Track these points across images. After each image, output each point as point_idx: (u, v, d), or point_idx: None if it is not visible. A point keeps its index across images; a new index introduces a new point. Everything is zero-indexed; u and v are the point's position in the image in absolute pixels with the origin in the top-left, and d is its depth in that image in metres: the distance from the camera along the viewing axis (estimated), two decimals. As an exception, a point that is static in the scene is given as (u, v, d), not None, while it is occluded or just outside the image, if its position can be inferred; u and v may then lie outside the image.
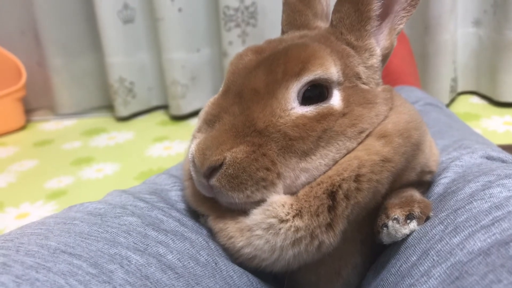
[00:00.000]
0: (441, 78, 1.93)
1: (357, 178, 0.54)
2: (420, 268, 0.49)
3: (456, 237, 0.49)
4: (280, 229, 0.54)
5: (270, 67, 0.57)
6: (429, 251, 0.50)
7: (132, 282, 0.47)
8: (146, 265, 0.50)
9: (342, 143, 0.56)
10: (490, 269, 0.41)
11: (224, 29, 1.97)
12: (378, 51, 0.63)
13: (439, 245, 0.50)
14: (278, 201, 0.55)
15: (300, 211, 0.54)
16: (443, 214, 0.55)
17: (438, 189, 0.65)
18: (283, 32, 0.72)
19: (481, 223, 0.49)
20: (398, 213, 0.56)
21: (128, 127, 2.14)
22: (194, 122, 2.11)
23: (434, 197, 0.64)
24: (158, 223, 0.60)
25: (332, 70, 0.57)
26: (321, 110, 0.56)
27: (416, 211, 0.56)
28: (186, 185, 0.66)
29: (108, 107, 2.33)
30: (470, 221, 0.50)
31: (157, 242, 0.55)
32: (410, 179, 0.62)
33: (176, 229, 0.60)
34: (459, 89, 2.08)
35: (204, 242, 0.59)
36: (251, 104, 0.56)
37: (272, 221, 0.54)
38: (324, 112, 0.56)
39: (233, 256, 0.58)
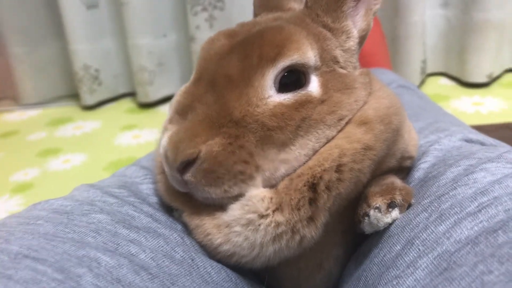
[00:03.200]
0: (412, 60, 1.93)
1: (339, 168, 0.52)
2: (405, 258, 0.47)
3: (441, 225, 0.47)
4: (259, 225, 0.51)
5: (244, 52, 0.54)
6: (413, 240, 0.48)
7: (103, 286, 0.43)
8: (117, 266, 0.47)
9: (321, 131, 0.54)
10: (480, 259, 0.40)
11: (190, 13, 1.92)
12: (355, 33, 0.61)
13: (424, 234, 0.48)
14: (257, 195, 0.52)
15: (280, 205, 0.51)
16: (426, 201, 0.53)
17: (418, 174, 0.63)
18: (255, 15, 0.69)
19: (466, 210, 0.47)
20: (379, 201, 0.54)
21: (95, 116, 2.08)
22: (163, 110, 2.07)
23: (414, 183, 0.62)
24: (129, 219, 0.57)
25: (309, 55, 0.54)
26: (299, 97, 0.53)
27: (398, 198, 0.55)
28: (158, 178, 0.62)
29: (73, 95, 2.26)
30: (455, 208, 0.48)
31: (129, 240, 0.52)
32: (391, 165, 0.60)
33: (149, 225, 0.57)
34: (428, 71, 2.08)
35: (179, 238, 0.56)
36: (225, 92, 0.53)
37: (251, 216, 0.52)
38: (302, 100, 0.53)
39: (211, 253, 0.55)
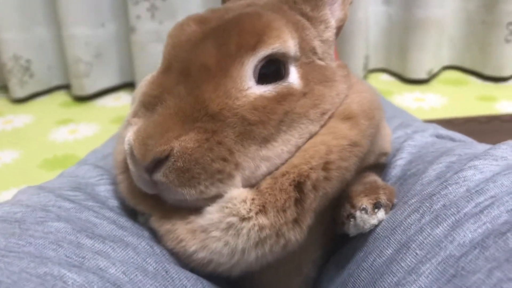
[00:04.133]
0: (355, 56, 1.94)
1: (326, 166, 0.48)
2: (401, 264, 0.44)
3: (438, 227, 0.45)
4: (241, 228, 0.47)
5: (221, 39, 0.49)
6: (408, 244, 0.45)
7: None
8: (86, 285, 0.40)
9: (304, 126, 0.50)
10: (494, 265, 0.37)
11: (131, 2, 1.83)
12: (333, 23, 0.58)
13: (420, 237, 0.45)
14: (239, 196, 0.47)
15: (263, 206, 0.47)
16: (413, 201, 0.50)
17: (395, 171, 0.61)
18: (223, 1, 0.65)
19: (464, 211, 0.45)
20: (365, 202, 0.51)
21: (26, 110, 1.95)
22: (101, 103, 1.98)
23: (392, 181, 0.60)
24: (91, 227, 0.50)
25: (289, 44, 0.51)
26: (281, 89, 0.49)
27: (383, 198, 0.52)
28: (120, 179, 0.56)
29: (1, 88, 2.11)
30: (451, 209, 0.46)
31: (95, 252, 0.46)
32: (370, 162, 0.58)
33: (113, 233, 0.51)
34: (370, 67, 2.10)
35: (148, 247, 0.50)
36: (200, 83, 0.48)
37: (232, 220, 0.47)
38: (284, 92, 0.49)
39: (184, 261, 0.50)
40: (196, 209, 0.49)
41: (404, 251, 0.45)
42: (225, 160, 0.46)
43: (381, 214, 0.51)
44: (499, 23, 1.89)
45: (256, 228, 0.47)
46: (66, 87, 2.12)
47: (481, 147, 0.59)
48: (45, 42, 2.01)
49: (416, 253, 0.44)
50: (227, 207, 0.47)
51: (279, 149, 0.49)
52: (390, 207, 0.53)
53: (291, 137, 0.50)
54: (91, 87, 1.98)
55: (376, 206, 0.51)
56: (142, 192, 0.52)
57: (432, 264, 0.41)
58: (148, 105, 0.50)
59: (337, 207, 0.53)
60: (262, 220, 0.47)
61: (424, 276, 0.41)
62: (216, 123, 0.47)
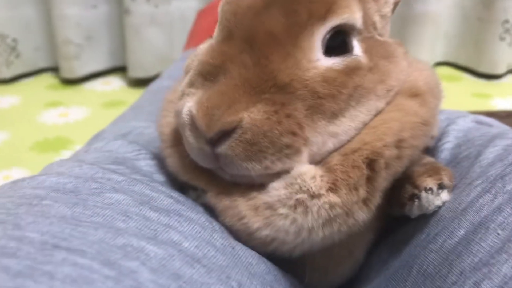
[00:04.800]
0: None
1: (398, 144, 0.46)
2: (482, 244, 0.42)
3: None
4: (312, 206, 0.44)
5: (290, 6, 0.46)
6: (486, 224, 0.43)
7: (165, 284, 0.34)
8: (168, 258, 0.37)
9: (372, 102, 0.48)
10: None
11: (126, -16, 1.78)
12: None
13: (500, 217, 0.43)
14: (308, 172, 0.45)
15: (334, 184, 0.44)
16: (478, 182, 0.49)
17: (444, 155, 0.59)
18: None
19: None
20: (429, 182, 0.49)
21: (12, 91, 1.87)
22: (91, 86, 1.92)
23: (443, 164, 0.58)
24: (149, 200, 0.47)
25: (357, 15, 0.48)
26: (349, 62, 0.47)
27: (446, 179, 0.50)
28: (169, 152, 0.53)
29: (-15, 67, 2.02)
30: None
31: (164, 225, 0.43)
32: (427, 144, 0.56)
33: (173, 207, 0.47)
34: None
35: (208, 223, 0.47)
36: (268, 52, 0.44)
37: (302, 196, 0.44)
38: (353, 66, 0.46)
39: (244, 238, 0.47)
40: (256, 185, 0.47)
41: (483, 231, 0.43)
42: (295, 134, 0.43)
43: (445, 195, 0.50)
44: (495, 21, 1.91)
45: (327, 206, 0.44)
46: (53, 69, 2.04)
47: None
48: (33, 21, 1.93)
49: (498, 233, 0.42)
50: (296, 183, 0.44)
51: (347, 125, 0.47)
52: (451, 188, 0.51)
53: (359, 113, 0.47)
54: (80, 70, 1.92)
55: (440, 186, 0.49)
56: (196, 167, 0.49)
57: None
58: (207, 75, 0.46)
59: (394, 188, 0.51)
60: (333, 198, 0.44)
61: None
62: (285, 95, 0.44)
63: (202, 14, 1.57)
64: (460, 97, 1.82)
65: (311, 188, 0.44)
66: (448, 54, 2.08)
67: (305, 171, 0.45)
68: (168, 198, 0.48)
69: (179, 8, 1.91)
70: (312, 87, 0.44)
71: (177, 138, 0.52)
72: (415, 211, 0.50)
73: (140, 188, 0.49)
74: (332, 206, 0.44)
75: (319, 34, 0.46)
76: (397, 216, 0.53)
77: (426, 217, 0.51)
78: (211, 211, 0.50)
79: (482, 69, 1.97)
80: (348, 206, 0.44)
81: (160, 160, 0.58)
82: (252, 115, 0.43)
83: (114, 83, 1.97)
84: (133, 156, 0.59)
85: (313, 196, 0.44)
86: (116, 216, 0.41)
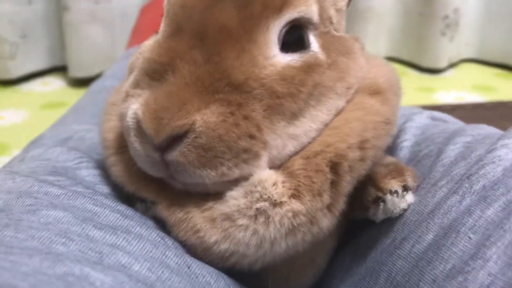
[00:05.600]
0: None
1: (362, 145, 0.44)
2: (453, 249, 0.41)
3: (489, 208, 0.42)
4: (274, 215, 0.41)
5: None
6: (456, 228, 0.42)
7: None
8: (117, 286, 0.33)
9: (332, 101, 0.46)
10: None
11: (64, -21, 1.69)
12: None
13: (470, 220, 0.42)
14: (269, 178, 0.42)
15: (297, 190, 0.42)
16: (443, 182, 0.48)
17: (403, 153, 0.58)
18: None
19: None
20: (394, 184, 0.47)
21: None
22: (28, 88, 1.82)
23: (403, 163, 0.57)
24: (92, 216, 0.43)
25: (314, 9, 0.46)
26: (307, 59, 0.44)
27: (410, 180, 0.49)
28: (112, 161, 0.49)
29: None
30: (499, 189, 0.43)
31: (110, 246, 0.38)
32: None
33: (119, 223, 0.43)
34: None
35: (159, 239, 0.44)
36: (220, 48, 0.41)
37: (263, 205, 0.42)
38: (311, 62, 0.44)
39: (200, 254, 0.44)
40: (212, 194, 0.43)
41: (454, 236, 0.42)
42: (253, 137, 0.41)
43: (409, 197, 0.48)
44: (436, 16, 1.94)
45: (290, 214, 0.41)
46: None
47: (487, 127, 0.58)
48: (-38, 19, 1.81)
49: (470, 237, 0.41)
50: (256, 191, 0.42)
51: (307, 126, 0.44)
52: (414, 189, 0.50)
53: (319, 112, 0.45)
54: (16, 70, 1.81)
55: (405, 188, 0.48)
56: (143, 176, 0.45)
57: (499, 248, 0.38)
58: (154, 74, 0.43)
59: (356, 191, 0.49)
60: (297, 205, 0.42)
61: (493, 262, 0.38)
62: (241, 94, 0.41)
63: (145, 10, 1.51)
64: (404, 92, 1.84)
65: (273, 195, 0.41)
66: (392, 49, 2.10)
67: (266, 177, 0.42)
68: (113, 212, 0.44)
69: (120, 4, 1.84)
70: (269, 86, 0.41)
71: (122, 145, 0.48)
72: (380, 215, 0.48)
73: (81, 202, 0.44)
74: (295, 214, 0.42)
75: (275, 28, 0.43)
76: (358, 220, 0.52)
77: (390, 221, 0.49)
78: (163, 225, 0.46)
79: (425, 63, 2.01)
80: (312, 213, 0.42)
81: (103, 169, 0.54)
82: (205, 117, 0.39)
83: (54, 84, 1.88)
84: (74, 165, 0.54)
85: (274, 204, 0.41)
86: (55, 239, 0.37)
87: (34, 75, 1.90)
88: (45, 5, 1.83)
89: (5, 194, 0.42)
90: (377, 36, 2.01)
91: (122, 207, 0.47)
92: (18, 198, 0.42)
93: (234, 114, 0.40)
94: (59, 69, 1.94)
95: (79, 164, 0.54)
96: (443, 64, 2.00)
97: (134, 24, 1.52)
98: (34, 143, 0.75)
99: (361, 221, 0.52)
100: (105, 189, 0.51)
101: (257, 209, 0.42)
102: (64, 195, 0.45)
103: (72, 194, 0.45)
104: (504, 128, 0.59)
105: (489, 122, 0.73)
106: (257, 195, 0.42)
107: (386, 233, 0.49)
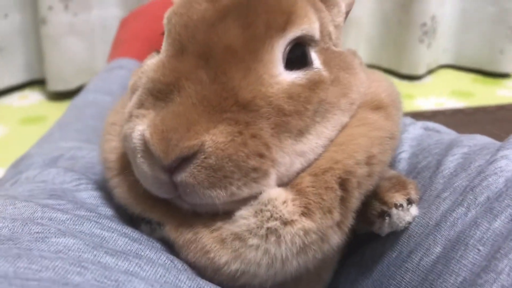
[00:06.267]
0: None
1: (369, 160, 0.44)
2: (463, 261, 0.41)
3: (496, 220, 0.42)
4: (285, 234, 0.41)
5: (246, 18, 0.42)
6: (465, 240, 0.42)
7: None
8: None
9: (337, 117, 0.46)
10: None
11: (42, -9, 1.67)
12: (343, 7, 0.53)
13: (478, 232, 0.42)
14: (279, 197, 0.42)
15: (307, 207, 0.42)
16: (446, 194, 0.48)
17: (401, 165, 0.59)
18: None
19: None
20: (398, 198, 0.47)
21: None
22: (6, 102, 1.79)
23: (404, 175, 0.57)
24: (101, 242, 0.41)
25: (315, 25, 0.46)
26: (312, 76, 0.44)
27: (413, 193, 0.49)
28: (116, 182, 0.47)
29: None
30: (504, 201, 0.43)
31: (124, 273, 0.37)
32: None
33: (129, 247, 0.42)
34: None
35: (169, 262, 0.43)
36: (226, 68, 0.41)
37: (274, 224, 0.41)
38: (315, 79, 0.44)
39: (210, 274, 0.43)
40: (219, 214, 0.43)
41: (463, 248, 0.42)
42: (262, 156, 0.40)
43: (414, 210, 0.48)
44: (414, 24, 1.97)
45: (301, 232, 0.41)
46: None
47: (480, 137, 0.59)
48: None
49: (479, 249, 0.41)
50: (266, 210, 0.41)
51: (314, 142, 0.44)
52: (417, 202, 0.50)
53: (325, 129, 0.45)
54: (-7, 84, 1.78)
55: (409, 201, 0.48)
56: (149, 197, 0.44)
57: (510, 260, 0.38)
58: (159, 94, 0.42)
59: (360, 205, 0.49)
60: (308, 223, 0.41)
61: (505, 274, 0.38)
62: (248, 113, 0.40)
63: (125, 22, 1.50)
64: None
65: (283, 214, 0.41)
66: (371, 57, 2.13)
67: (275, 195, 0.42)
68: (121, 237, 0.43)
69: (99, 16, 1.82)
70: (276, 104, 0.41)
71: (124, 165, 0.47)
72: (385, 229, 0.48)
73: (88, 227, 0.43)
74: (306, 232, 0.41)
75: (279, 47, 0.43)
76: (361, 233, 0.52)
77: (395, 234, 0.49)
78: (169, 246, 0.45)
79: (404, 70, 2.03)
80: (323, 231, 0.42)
81: (103, 190, 0.53)
82: (214, 138, 0.39)
83: (32, 97, 1.84)
84: (73, 187, 0.53)
85: (285, 223, 0.41)
86: (69, 268, 0.36)
87: (11, 89, 1.86)
88: (22, 18, 1.79)
89: (10, 221, 0.41)
90: (357, 44, 2.03)
91: (128, 230, 0.46)
92: (24, 226, 0.41)
93: (242, 133, 0.40)
94: (37, 83, 1.91)
95: (78, 186, 0.53)
96: (421, 70, 2.03)
97: (114, 37, 1.50)
98: (21, 162, 0.74)
99: (364, 234, 0.52)
100: (108, 211, 0.50)
101: (268, 228, 0.41)
102: (69, 220, 0.44)
103: (77, 219, 0.44)
104: (485, 132, 0.62)
105: (469, 127, 0.75)
106: (268, 214, 0.41)
107: (392, 246, 0.49)
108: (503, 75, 2.07)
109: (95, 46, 1.83)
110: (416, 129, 0.66)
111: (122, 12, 1.83)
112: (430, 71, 2.12)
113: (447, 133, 0.68)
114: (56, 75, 1.77)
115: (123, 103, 0.54)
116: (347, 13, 0.55)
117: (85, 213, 0.46)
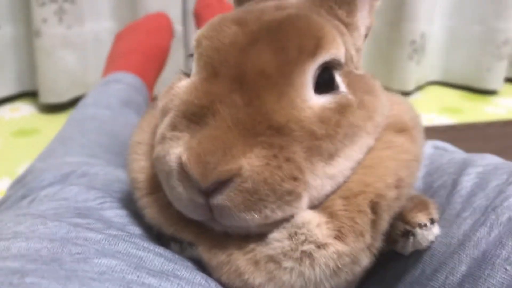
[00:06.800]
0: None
1: (398, 183, 0.45)
2: (491, 281, 0.42)
3: None
4: (319, 257, 0.42)
5: (278, 43, 0.43)
6: (491, 260, 0.43)
7: None
8: None
9: (364, 140, 0.46)
10: None
11: (36, 4, 1.66)
12: (362, 30, 0.55)
13: (504, 251, 0.43)
14: (312, 220, 0.42)
15: (340, 231, 0.42)
16: (467, 214, 0.49)
17: (417, 184, 0.59)
18: (238, 3, 0.58)
19: None
20: (422, 218, 0.48)
21: None
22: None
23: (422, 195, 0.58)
24: (139, 262, 0.41)
25: (342, 50, 0.47)
26: (340, 100, 0.45)
27: (434, 213, 0.50)
28: (146, 202, 0.47)
29: None
30: None
31: None
32: None
33: (165, 267, 0.42)
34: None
35: (204, 281, 0.43)
36: (260, 92, 0.41)
37: (308, 247, 0.41)
38: (344, 103, 0.45)
39: None
40: (252, 236, 0.43)
41: (490, 268, 0.43)
42: (296, 179, 0.41)
43: (436, 229, 0.49)
44: (404, 41, 2.01)
45: (335, 256, 0.42)
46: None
47: (490, 156, 0.60)
48: None
49: (506, 269, 0.42)
50: (301, 233, 0.42)
51: (343, 165, 0.45)
52: (437, 221, 0.51)
53: (353, 152, 0.46)
54: (-16, 96, 1.76)
55: (432, 221, 0.49)
56: (181, 218, 0.45)
57: None
58: (193, 117, 0.42)
59: None
60: (341, 246, 0.42)
61: None
62: (282, 137, 0.41)
63: (121, 36, 1.50)
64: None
65: (318, 237, 0.42)
66: (362, 73, 2.15)
67: (309, 219, 0.42)
68: (157, 256, 0.44)
69: (93, 29, 1.82)
70: (309, 128, 0.42)
71: (154, 185, 0.47)
72: (409, 248, 0.49)
73: (124, 247, 0.43)
74: (340, 255, 0.42)
75: (310, 71, 0.44)
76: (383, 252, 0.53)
77: (417, 253, 0.50)
78: (200, 266, 0.46)
79: (394, 86, 2.06)
80: (355, 253, 0.42)
81: (128, 209, 0.53)
82: (251, 161, 0.39)
83: (23, 110, 1.83)
84: (97, 205, 0.53)
85: (320, 246, 0.42)
86: None
87: (2, 101, 1.85)
88: (14, 31, 1.79)
89: (48, 242, 0.41)
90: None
91: (160, 250, 0.46)
92: (63, 246, 0.41)
93: (277, 157, 0.40)
94: (29, 95, 1.89)
95: (102, 204, 0.53)
96: (411, 87, 2.07)
97: (109, 51, 1.50)
98: (27, 177, 0.73)
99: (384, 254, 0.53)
100: (136, 230, 0.49)
101: (302, 251, 0.42)
102: (104, 240, 0.44)
103: (112, 239, 0.44)
104: (477, 148, 0.66)
105: (461, 143, 0.78)
106: (303, 237, 0.42)
107: (414, 265, 0.50)
108: (490, 92, 2.12)
109: (88, 59, 1.83)
110: (427, 148, 0.68)
111: (116, 26, 1.83)
112: (419, 88, 2.16)
113: (456, 152, 0.70)
114: (49, 87, 1.76)
115: (149, 121, 0.54)
116: (366, 36, 0.56)
117: (117, 233, 0.46)
